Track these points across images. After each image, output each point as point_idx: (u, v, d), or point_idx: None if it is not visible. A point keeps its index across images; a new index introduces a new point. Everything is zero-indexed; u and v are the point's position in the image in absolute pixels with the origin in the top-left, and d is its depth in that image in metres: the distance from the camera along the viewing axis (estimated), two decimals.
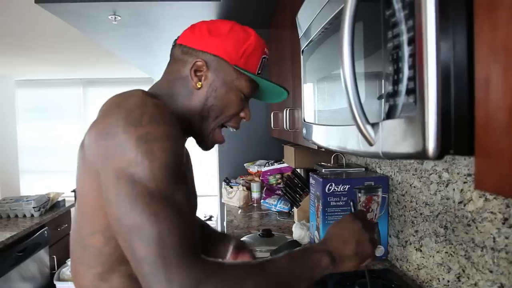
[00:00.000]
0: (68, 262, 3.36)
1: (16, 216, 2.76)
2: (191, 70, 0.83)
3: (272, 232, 1.81)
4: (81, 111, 7.50)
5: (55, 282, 2.77)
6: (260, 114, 2.96)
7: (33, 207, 2.74)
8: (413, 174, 1.29)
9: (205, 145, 0.90)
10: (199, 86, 0.83)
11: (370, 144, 0.64)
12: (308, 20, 1.09)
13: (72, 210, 2.91)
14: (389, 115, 0.58)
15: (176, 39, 0.89)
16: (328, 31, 0.93)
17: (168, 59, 0.90)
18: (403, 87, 0.54)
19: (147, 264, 0.62)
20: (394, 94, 0.57)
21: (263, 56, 0.89)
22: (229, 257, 1.11)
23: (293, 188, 2.10)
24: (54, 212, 2.94)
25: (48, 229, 2.82)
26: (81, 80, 7.42)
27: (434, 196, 1.16)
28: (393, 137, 0.57)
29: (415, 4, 0.49)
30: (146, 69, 5.06)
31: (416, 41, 0.49)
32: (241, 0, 2.29)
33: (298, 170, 2.23)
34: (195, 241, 0.67)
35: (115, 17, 2.46)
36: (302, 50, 1.21)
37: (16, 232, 2.40)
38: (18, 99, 7.38)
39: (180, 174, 0.70)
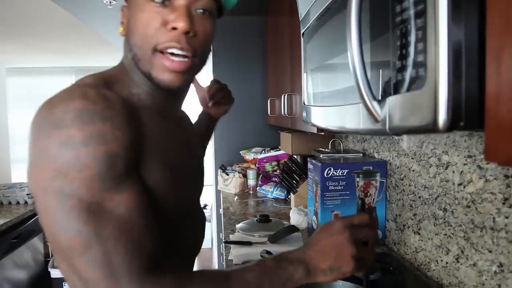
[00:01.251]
0: None
1: (10, 203, 2.73)
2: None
3: (270, 218, 1.82)
4: None
5: (49, 269, 2.75)
6: (256, 102, 2.95)
7: (27, 194, 2.72)
8: (412, 158, 1.30)
9: (164, 84, 0.69)
10: (121, 30, 0.73)
11: (376, 121, 0.64)
12: (308, 2, 1.09)
13: None
14: (395, 90, 0.58)
15: None
16: (329, 12, 0.93)
17: None
18: (410, 61, 0.54)
19: (95, 286, 0.57)
20: (401, 68, 0.56)
21: None
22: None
23: (290, 174, 2.10)
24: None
25: None
26: (73, 68, 7.35)
27: (433, 179, 1.17)
28: (400, 112, 0.57)
29: None
30: None
31: (427, 13, 0.49)
32: None
33: (295, 156, 2.24)
34: (149, 254, 0.60)
35: (110, 2, 2.43)
36: (303, 33, 1.20)
37: (9, 219, 2.39)
38: (9, 87, 7.29)
39: (122, 175, 0.59)
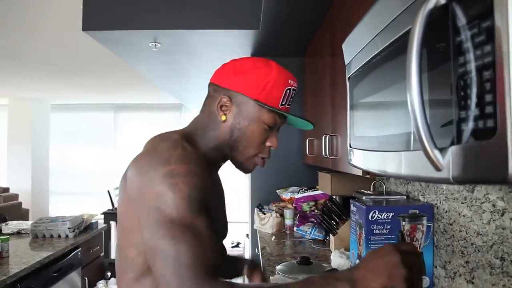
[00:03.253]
0: (99, 284, 3.37)
1: (51, 236, 2.80)
2: (217, 105, 0.95)
3: (310, 260, 1.78)
4: (111, 135, 7.69)
5: None
6: (292, 141, 2.96)
7: (68, 228, 2.79)
8: (462, 203, 1.26)
9: (243, 169, 1.02)
10: (224, 119, 0.95)
11: (438, 170, 0.63)
12: (357, 47, 1.11)
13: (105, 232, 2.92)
14: (458, 140, 0.58)
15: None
16: (380, 58, 0.94)
17: (203, 86, 1.04)
18: (477, 112, 0.54)
19: (164, 281, 0.73)
20: (465, 119, 0.56)
21: (287, 87, 0.96)
22: (244, 275, 1.25)
23: (330, 215, 2.07)
24: (87, 233, 2.97)
25: (81, 250, 2.85)
26: (112, 105, 7.64)
27: (487, 226, 1.13)
28: (466, 162, 0.56)
29: (495, 29, 0.49)
30: (178, 95, 5.18)
31: (497, 66, 0.50)
32: (279, 29, 2.34)
33: (334, 197, 2.21)
34: (210, 264, 0.75)
35: (155, 44, 2.55)
36: (349, 77, 1.22)
37: (52, 252, 2.44)
38: (52, 122, 7.63)
39: (202, 205, 0.80)
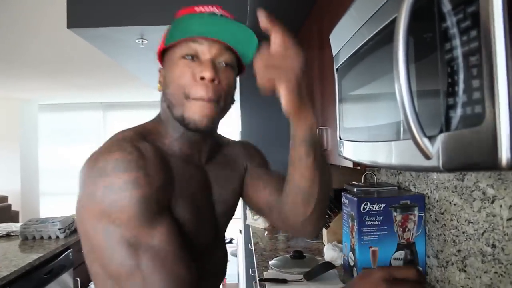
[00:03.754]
0: (92, 284, 3.34)
1: (42, 237, 2.76)
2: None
3: (303, 254, 1.78)
4: (101, 134, 7.63)
5: None
6: (284, 135, 2.95)
7: (59, 229, 2.75)
8: (453, 192, 1.26)
9: (195, 126, 0.79)
10: (159, 87, 0.86)
11: (428, 158, 0.63)
12: (344, 38, 1.10)
13: None
14: (447, 127, 0.58)
15: None
16: (367, 48, 0.93)
17: None
18: (464, 98, 0.53)
19: None
20: (453, 105, 0.56)
21: (189, 13, 0.82)
22: None
23: None
24: (78, 234, 2.94)
25: (73, 251, 2.82)
26: (102, 104, 7.58)
27: (478, 214, 1.13)
28: (455, 149, 0.56)
29: (480, 13, 0.49)
30: None
31: (483, 50, 0.49)
32: None
33: None
34: (182, 278, 0.69)
35: (142, 41, 2.53)
36: (337, 69, 1.21)
37: (42, 254, 2.41)
38: (41, 122, 7.55)
39: (155, 213, 0.70)
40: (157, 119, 0.88)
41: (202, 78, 0.77)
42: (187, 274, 0.70)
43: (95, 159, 0.71)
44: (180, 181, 0.79)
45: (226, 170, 0.97)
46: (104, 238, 0.67)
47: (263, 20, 0.72)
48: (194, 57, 0.79)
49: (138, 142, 0.75)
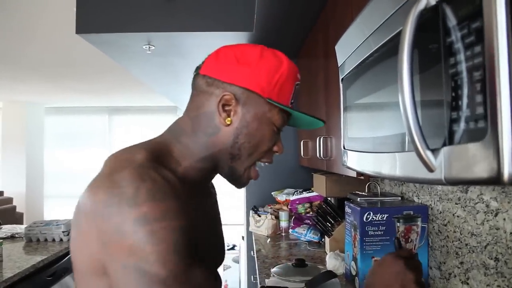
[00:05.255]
0: None
1: (46, 240, 2.78)
2: (218, 104, 0.74)
3: (305, 262, 1.78)
4: (106, 138, 7.67)
5: None
6: (288, 143, 2.96)
7: (63, 231, 2.76)
8: (456, 203, 1.26)
9: (239, 184, 0.82)
10: (228, 123, 0.75)
11: (431, 170, 0.63)
12: (349, 49, 1.11)
13: None
14: (450, 140, 0.58)
15: (198, 67, 0.80)
16: (372, 59, 0.94)
17: None
18: (468, 113, 0.54)
19: None
20: (456, 120, 0.56)
21: (296, 83, 0.81)
22: None
23: (325, 217, 2.07)
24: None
25: None
26: (107, 108, 7.62)
27: (481, 226, 1.13)
28: (458, 162, 0.56)
29: (484, 29, 0.49)
30: (172, 97, 5.17)
31: (486, 66, 0.49)
32: (273, 30, 2.35)
33: (329, 199, 2.21)
34: None
35: (149, 47, 2.54)
36: (342, 79, 1.22)
37: (46, 256, 2.42)
38: (47, 125, 7.60)
39: (192, 248, 0.63)
40: (172, 138, 0.78)
41: (276, 152, 0.82)
42: None
43: (118, 185, 0.62)
44: (197, 212, 0.75)
45: (216, 202, 0.97)
46: (136, 279, 0.58)
47: None
48: (278, 131, 0.80)
49: (159, 169, 0.68)
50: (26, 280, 2.19)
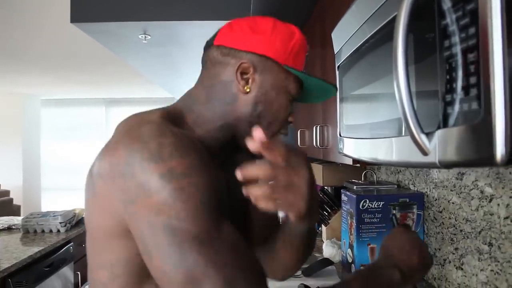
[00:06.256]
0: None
1: (43, 231, 2.78)
2: (236, 72, 0.73)
3: None
4: (103, 129, 7.65)
5: None
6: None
7: (60, 223, 2.77)
8: (451, 190, 1.27)
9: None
10: (248, 90, 0.74)
11: (425, 154, 0.64)
12: (345, 36, 1.11)
13: None
14: (445, 123, 0.58)
15: (210, 40, 0.78)
16: (367, 46, 0.94)
17: (195, 79, 0.81)
18: (462, 95, 0.54)
19: None
20: (451, 102, 0.56)
21: (307, 52, 0.82)
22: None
23: (322, 206, 2.08)
24: (79, 228, 2.96)
25: (73, 245, 2.84)
26: (104, 99, 7.59)
27: (476, 212, 1.14)
28: (452, 145, 0.57)
29: (478, 11, 0.49)
30: (170, 88, 5.15)
31: (480, 48, 0.49)
32: None
33: (326, 187, 2.22)
34: (259, 273, 0.62)
35: (145, 36, 2.53)
36: (338, 66, 1.22)
37: (43, 247, 2.42)
38: (43, 117, 7.57)
39: (221, 201, 0.62)
40: (186, 106, 0.76)
41: (291, 122, 0.81)
42: (262, 268, 0.64)
43: (140, 141, 0.60)
44: (220, 174, 0.71)
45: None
46: (167, 238, 0.56)
47: (253, 144, 0.60)
48: (293, 100, 0.79)
49: (174, 127, 0.66)
50: (24, 271, 2.20)
